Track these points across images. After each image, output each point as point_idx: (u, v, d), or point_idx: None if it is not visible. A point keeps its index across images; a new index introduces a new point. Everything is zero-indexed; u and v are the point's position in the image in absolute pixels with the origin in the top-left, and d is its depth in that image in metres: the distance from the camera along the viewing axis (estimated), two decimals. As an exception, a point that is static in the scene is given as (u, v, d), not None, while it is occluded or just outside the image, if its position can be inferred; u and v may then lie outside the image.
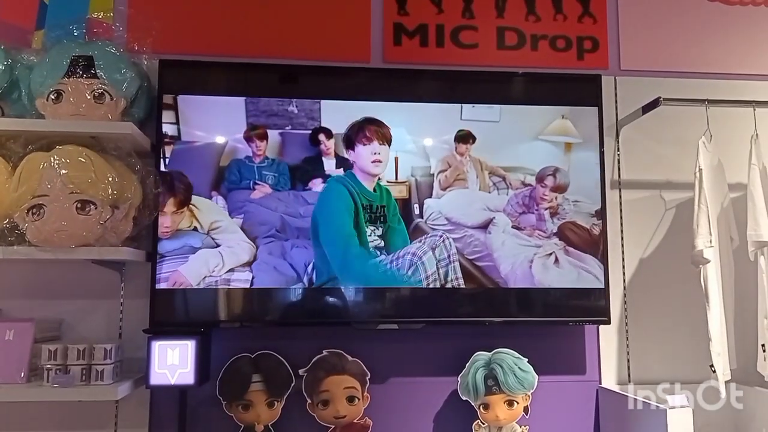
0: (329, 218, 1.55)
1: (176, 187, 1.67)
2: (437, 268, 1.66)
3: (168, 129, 1.86)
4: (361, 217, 1.62)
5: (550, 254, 1.68)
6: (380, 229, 1.65)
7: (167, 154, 1.72)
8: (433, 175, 1.87)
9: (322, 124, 1.76)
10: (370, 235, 1.63)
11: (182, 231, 1.69)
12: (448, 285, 1.68)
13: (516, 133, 1.97)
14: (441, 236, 1.69)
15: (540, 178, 1.79)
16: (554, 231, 1.70)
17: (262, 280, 1.65)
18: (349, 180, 1.70)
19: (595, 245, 1.77)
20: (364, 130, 1.64)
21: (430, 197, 1.81)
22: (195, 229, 1.67)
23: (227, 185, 1.82)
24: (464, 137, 1.85)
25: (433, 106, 2.22)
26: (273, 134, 1.69)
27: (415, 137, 1.85)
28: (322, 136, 1.70)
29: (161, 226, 1.67)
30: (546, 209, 1.73)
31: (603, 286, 2.16)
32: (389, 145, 1.68)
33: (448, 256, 1.67)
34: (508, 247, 1.68)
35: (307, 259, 1.60)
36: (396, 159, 1.84)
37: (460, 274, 1.66)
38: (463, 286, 1.67)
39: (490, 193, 1.80)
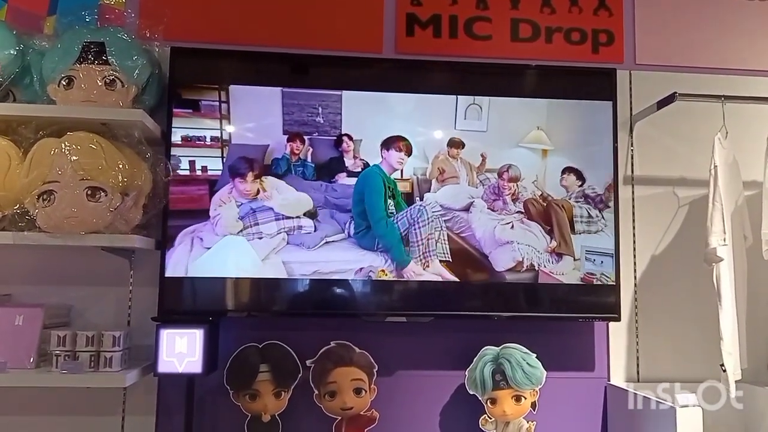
0: (374, 192, 2.19)
1: (255, 165, 2.19)
2: (430, 227, 2.22)
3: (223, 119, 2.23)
4: (386, 193, 2.22)
5: (509, 223, 2.23)
6: (393, 201, 2.23)
7: (224, 154, 2.19)
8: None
9: (343, 132, 2.22)
10: (390, 207, 2.22)
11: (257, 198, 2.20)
12: (438, 245, 2.21)
13: (500, 141, 2.30)
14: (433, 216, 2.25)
15: (499, 174, 2.26)
16: (516, 210, 2.25)
17: (322, 228, 2.17)
18: (379, 170, 2.23)
19: (545, 215, 2.29)
20: (398, 143, 2.21)
21: (429, 191, 2.26)
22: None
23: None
24: (456, 143, 2.26)
25: (437, 105, 2.30)
26: (306, 139, 2.21)
27: (416, 144, 2.26)
28: (345, 138, 2.21)
29: (243, 191, 2.18)
30: (508, 195, 2.25)
31: (546, 244, 2.29)
32: (409, 155, 2.24)
33: (440, 226, 2.23)
34: (482, 221, 2.22)
35: (346, 219, 2.17)
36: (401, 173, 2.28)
37: (446, 236, 2.22)
38: (450, 259, 2.21)
39: (476, 188, 2.26)
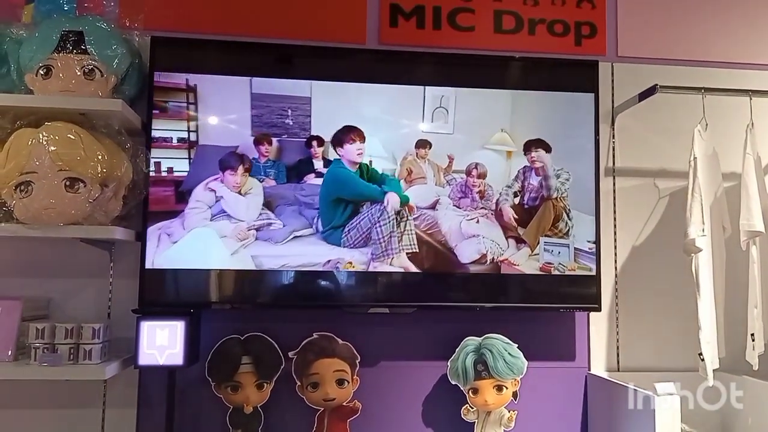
0: (348, 183, 2.23)
1: (245, 159, 2.21)
2: (390, 225, 2.24)
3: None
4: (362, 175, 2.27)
5: (474, 218, 2.28)
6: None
7: (192, 155, 2.18)
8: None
9: (312, 134, 2.22)
10: None
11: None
12: (405, 238, 2.24)
13: (466, 142, 2.32)
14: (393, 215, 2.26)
15: (468, 172, 2.29)
16: (482, 206, 2.29)
17: (290, 224, 2.19)
18: (341, 164, 2.25)
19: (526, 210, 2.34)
20: (350, 134, 2.21)
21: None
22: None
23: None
24: (423, 143, 2.29)
25: (407, 103, 2.29)
26: (274, 141, 2.21)
27: (385, 145, 2.27)
28: (314, 143, 2.21)
29: (234, 183, 2.18)
30: (476, 192, 2.28)
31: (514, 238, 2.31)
32: (364, 142, 2.23)
33: (404, 223, 2.26)
34: (448, 217, 2.27)
35: (313, 215, 2.19)
36: (370, 162, 2.26)
37: (413, 231, 2.24)
38: (417, 250, 2.24)
39: (443, 188, 2.29)
